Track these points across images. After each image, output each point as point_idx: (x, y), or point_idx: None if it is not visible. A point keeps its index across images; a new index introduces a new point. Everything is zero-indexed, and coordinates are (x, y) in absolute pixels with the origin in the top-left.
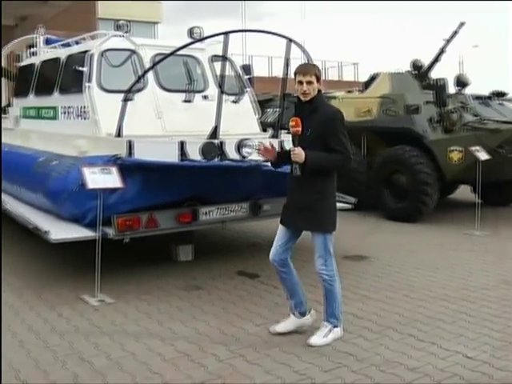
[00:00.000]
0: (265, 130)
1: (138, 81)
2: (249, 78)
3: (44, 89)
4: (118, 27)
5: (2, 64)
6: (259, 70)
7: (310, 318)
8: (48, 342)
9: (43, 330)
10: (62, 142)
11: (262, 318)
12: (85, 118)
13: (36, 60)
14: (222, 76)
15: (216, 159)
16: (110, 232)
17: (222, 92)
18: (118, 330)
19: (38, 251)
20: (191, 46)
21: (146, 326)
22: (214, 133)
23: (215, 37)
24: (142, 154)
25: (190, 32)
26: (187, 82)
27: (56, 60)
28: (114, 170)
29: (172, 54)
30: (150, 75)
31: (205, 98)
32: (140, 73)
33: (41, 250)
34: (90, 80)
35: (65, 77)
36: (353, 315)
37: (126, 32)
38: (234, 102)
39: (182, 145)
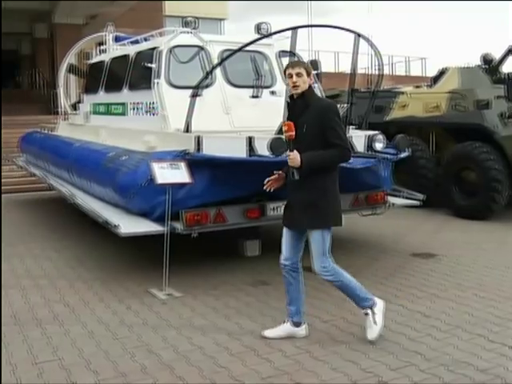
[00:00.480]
0: None
1: (206, 77)
2: (316, 74)
3: (113, 85)
4: (185, 24)
5: (73, 61)
6: (325, 66)
7: (303, 330)
8: (117, 334)
9: (112, 322)
10: (131, 138)
11: (329, 315)
12: (153, 114)
13: (106, 57)
14: None
15: (284, 155)
16: (179, 227)
17: None
18: (185, 324)
19: (108, 245)
20: (259, 42)
21: (213, 321)
22: (280, 130)
23: (282, 32)
24: (210, 149)
25: (258, 28)
26: (255, 78)
27: (125, 57)
28: (183, 165)
29: (240, 49)
30: (218, 71)
31: (272, 93)
32: (208, 69)
33: (110, 244)
34: (158, 76)
35: (134, 73)
36: (421, 314)
37: (194, 28)
38: None
39: (250, 140)
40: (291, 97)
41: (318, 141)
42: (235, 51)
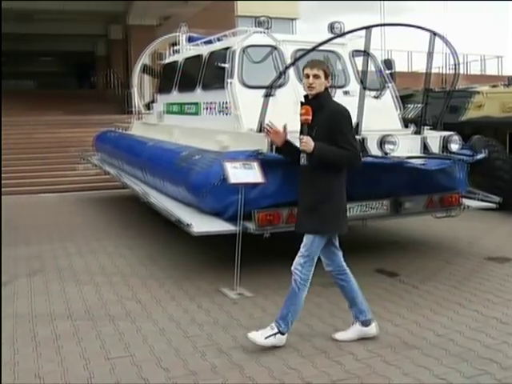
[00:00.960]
0: (406, 126)
1: (279, 77)
2: (390, 73)
3: (187, 85)
4: (258, 23)
5: (147, 62)
6: (398, 65)
7: (373, 329)
8: (188, 332)
9: (183, 320)
10: (204, 137)
11: (401, 318)
12: (227, 114)
13: (179, 57)
14: (364, 71)
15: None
16: (251, 226)
17: (364, 88)
18: (255, 324)
19: (180, 244)
20: (332, 42)
21: None
22: (356, 129)
23: (356, 32)
24: None
25: (331, 27)
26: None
27: (198, 57)
28: (256, 165)
29: (313, 49)
30: (291, 71)
31: (346, 93)
32: (281, 68)
33: (183, 243)
34: (231, 76)
35: (207, 73)
36: (497, 320)
37: (267, 28)
38: (376, 97)
39: None
40: (306, 97)
41: (327, 143)
42: (308, 51)
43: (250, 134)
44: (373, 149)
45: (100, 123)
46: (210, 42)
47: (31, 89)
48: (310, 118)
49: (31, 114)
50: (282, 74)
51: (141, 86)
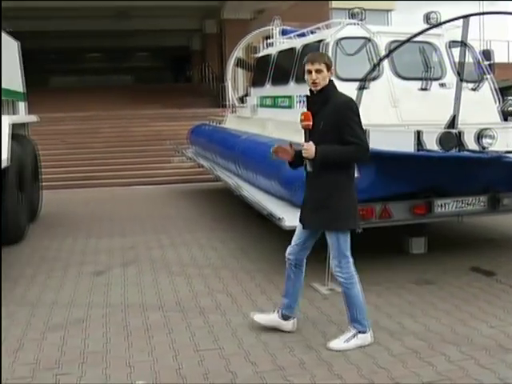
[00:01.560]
0: (505, 120)
1: (373, 69)
2: (489, 64)
3: (280, 78)
4: (352, 15)
5: (240, 55)
6: (497, 56)
7: (289, 325)
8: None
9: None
10: (297, 131)
11: (498, 320)
12: None
13: (272, 51)
14: (462, 63)
15: (454, 150)
16: None
17: (461, 79)
18: (346, 321)
19: (272, 237)
20: (428, 32)
21: (374, 319)
22: (452, 122)
23: (453, 22)
24: (377, 143)
25: (427, 17)
26: (424, 70)
27: (292, 50)
28: None
29: (408, 40)
30: (386, 63)
31: (442, 85)
32: (375, 61)
33: (274, 237)
34: None
35: (300, 66)
36: None
37: (361, 20)
38: (473, 89)
39: (418, 134)
40: (311, 91)
41: (333, 138)
42: (403, 42)
43: None
44: (470, 143)
45: (195, 117)
46: (303, 34)
47: (129, 83)
48: (311, 123)
49: (128, 108)
50: (376, 66)
51: (235, 80)
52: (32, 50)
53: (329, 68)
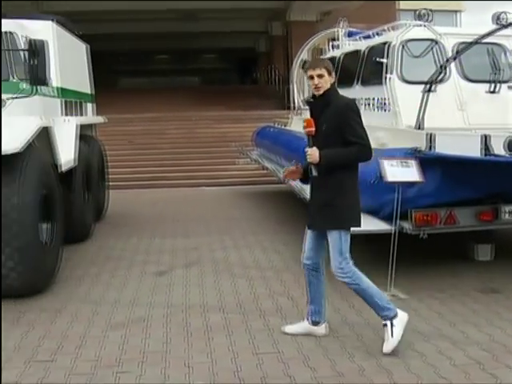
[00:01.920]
0: None
1: (440, 71)
2: None
3: (345, 81)
4: (419, 16)
5: (306, 57)
6: None
7: (322, 329)
8: (338, 332)
9: (334, 320)
10: None
11: None
12: (385, 110)
13: (337, 53)
14: None
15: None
16: (407, 226)
17: None
18: (408, 328)
19: None
20: (497, 33)
21: (437, 327)
22: None
23: None
24: (442, 147)
25: (496, 18)
26: (492, 72)
27: (357, 52)
28: (414, 163)
29: (476, 42)
30: (453, 65)
31: (511, 88)
32: (442, 63)
33: None
34: (390, 71)
35: (365, 69)
36: None
37: (428, 21)
38: None
39: (485, 139)
40: (313, 96)
41: (336, 140)
42: (471, 43)
43: (408, 131)
44: None
45: (260, 118)
46: (368, 36)
47: (195, 85)
48: (313, 129)
49: (194, 109)
50: (443, 68)
51: (300, 82)
52: (101, 52)
53: (329, 72)
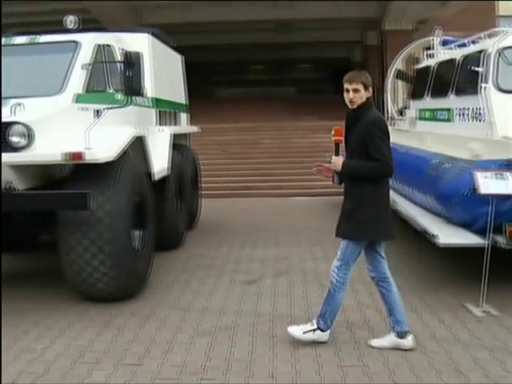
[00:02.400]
0: None
1: None
2: None
3: (439, 90)
4: None
5: (400, 67)
6: None
7: (410, 342)
8: (425, 348)
9: (422, 335)
10: (455, 145)
11: None
12: (480, 120)
13: (432, 62)
14: None
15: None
16: (501, 240)
17: None
18: (499, 346)
19: (427, 254)
20: None
21: None
22: None
23: None
24: None
25: None
26: None
27: (451, 61)
28: (509, 175)
29: None
30: None
31: None
32: None
33: (428, 253)
34: (486, 80)
35: (460, 78)
36: None
37: None
38: None
39: None
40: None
41: (361, 153)
42: None
43: (504, 142)
44: None
45: None
46: (463, 45)
47: (290, 95)
48: (341, 138)
49: (289, 119)
50: None
51: (394, 92)
52: (197, 63)
53: (366, 87)
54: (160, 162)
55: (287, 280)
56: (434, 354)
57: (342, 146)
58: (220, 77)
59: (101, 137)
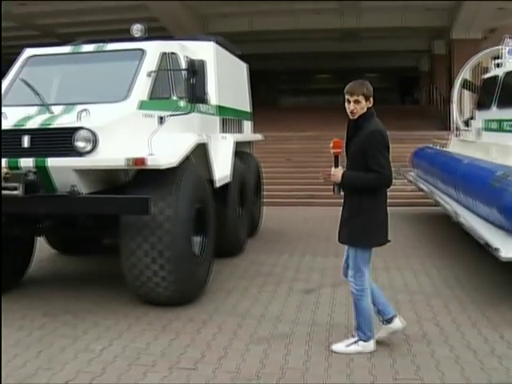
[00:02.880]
0: None
1: None
2: None
3: (506, 101)
4: None
5: (467, 77)
6: None
7: (399, 323)
8: (484, 364)
9: (482, 350)
10: None
11: None
12: None
13: (500, 71)
14: None
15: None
16: None
17: None
18: None
19: (489, 267)
20: None
21: None
22: None
23: None
24: None
25: None
26: None
27: None
28: None
29: None
30: None
31: None
32: None
33: (491, 267)
34: None
35: None
36: None
37: None
38: None
39: None
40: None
41: (360, 163)
42: None
43: None
44: None
45: (421, 139)
46: None
47: None
48: (340, 150)
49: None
50: None
51: (461, 102)
52: (263, 71)
53: (367, 98)
54: (222, 169)
55: (345, 290)
56: (494, 371)
57: (343, 157)
58: (285, 85)
59: (163, 143)
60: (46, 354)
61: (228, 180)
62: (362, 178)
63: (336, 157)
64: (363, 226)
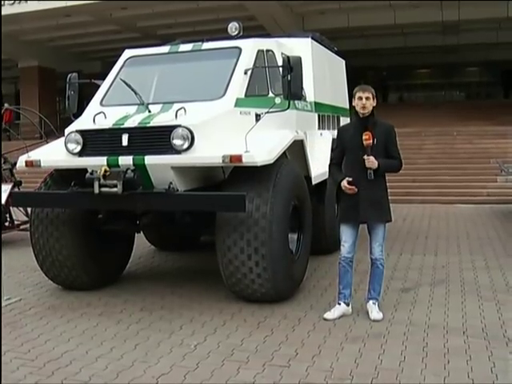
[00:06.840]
0: None
1: None
2: None
3: None
4: None
5: None
6: None
7: (350, 309)
8: None
9: None
10: None
11: None
12: None
13: None
14: None
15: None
16: None
17: None
18: None
19: None
20: None
21: None
22: None
23: None
24: None
25: None
26: None
27: None
28: None
29: None
30: None
31: None
32: None
33: None
34: None
35: None
36: None
37: None
38: None
39: None
40: (357, 116)
41: (381, 152)
42: None
43: None
44: None
45: None
46: None
47: (456, 99)
48: (371, 141)
49: (455, 124)
50: None
51: None
52: (361, 67)
53: (374, 97)
54: (319, 166)
55: (444, 289)
56: None
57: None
58: (383, 81)
59: (260, 140)
60: (142, 347)
61: (325, 177)
62: (391, 164)
63: (367, 147)
64: (389, 204)
